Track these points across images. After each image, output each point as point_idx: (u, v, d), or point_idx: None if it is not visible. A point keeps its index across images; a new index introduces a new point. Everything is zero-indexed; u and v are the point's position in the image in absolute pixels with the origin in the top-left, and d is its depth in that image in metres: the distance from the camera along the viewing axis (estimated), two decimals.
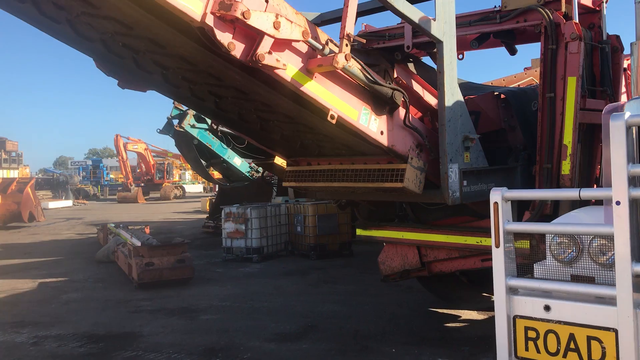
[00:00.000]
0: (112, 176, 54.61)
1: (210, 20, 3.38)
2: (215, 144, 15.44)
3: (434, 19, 4.49)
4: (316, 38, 3.93)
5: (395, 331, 6.24)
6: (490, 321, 3.00)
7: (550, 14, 4.95)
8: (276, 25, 3.57)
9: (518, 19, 5.17)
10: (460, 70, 5.30)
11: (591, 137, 5.33)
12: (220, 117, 5.36)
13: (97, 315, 7.37)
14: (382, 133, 4.47)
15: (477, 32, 5.53)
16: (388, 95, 4.37)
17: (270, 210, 12.02)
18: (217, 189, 21.50)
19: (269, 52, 3.59)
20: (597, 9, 5.40)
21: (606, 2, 5.38)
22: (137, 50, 4.26)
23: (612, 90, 5.32)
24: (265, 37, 3.55)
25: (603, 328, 2.61)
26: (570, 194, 3.09)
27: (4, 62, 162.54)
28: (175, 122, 15.12)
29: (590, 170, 5.35)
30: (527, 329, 2.84)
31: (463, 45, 5.93)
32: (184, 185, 45.20)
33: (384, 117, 4.50)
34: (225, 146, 15.72)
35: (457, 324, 6.55)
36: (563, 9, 5.06)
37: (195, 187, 49.51)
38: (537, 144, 5.08)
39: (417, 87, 5.69)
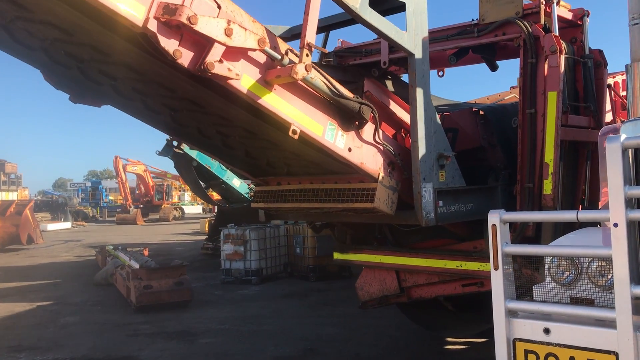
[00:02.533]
0: (111, 198, 54.41)
1: (153, 26, 3.14)
2: (214, 166, 15.44)
3: (405, 31, 4.31)
4: (275, 48, 3.69)
5: (395, 354, 6.18)
6: (491, 343, 2.98)
7: (529, 27, 4.76)
8: (227, 32, 3.33)
9: (496, 33, 4.98)
10: (443, 88, 5.20)
11: (575, 155, 5.12)
12: (178, 133, 5.12)
13: (95, 339, 7.31)
14: (350, 150, 4.22)
15: (455, 47, 5.31)
16: (355, 109, 4.12)
17: (269, 232, 12.00)
18: (216, 211, 21.46)
19: (220, 61, 3.35)
20: (579, 22, 5.24)
21: (588, 16, 5.24)
22: (81, 59, 4.02)
23: (595, 106, 5.14)
24: (215, 44, 3.32)
25: (603, 351, 2.59)
26: (568, 216, 3.08)
27: (2, 85, 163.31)
28: (175, 144, 15.11)
29: (575, 189, 5.13)
30: (527, 352, 2.82)
31: (442, 62, 5.77)
32: (183, 207, 45.03)
33: (352, 133, 4.26)
34: (224, 167, 15.70)
35: (457, 347, 6.50)
36: (542, 22, 4.87)
37: (194, 208, 49.35)
38: (518, 162, 4.85)
39: (389, 102, 5.36)
